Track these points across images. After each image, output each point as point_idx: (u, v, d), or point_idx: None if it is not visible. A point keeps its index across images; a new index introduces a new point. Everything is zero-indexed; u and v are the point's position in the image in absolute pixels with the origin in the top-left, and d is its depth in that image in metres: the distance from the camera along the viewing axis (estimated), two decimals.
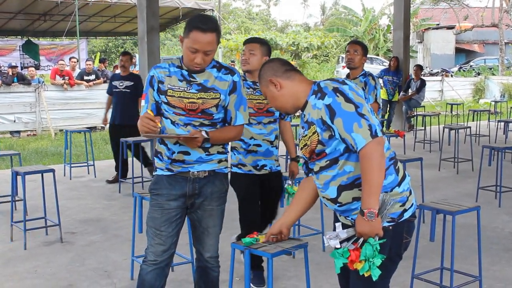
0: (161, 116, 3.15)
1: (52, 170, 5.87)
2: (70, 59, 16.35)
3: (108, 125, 8.67)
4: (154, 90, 3.12)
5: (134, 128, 7.67)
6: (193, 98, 3.06)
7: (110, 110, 8.46)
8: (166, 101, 3.09)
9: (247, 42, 4.24)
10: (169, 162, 3.14)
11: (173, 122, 3.11)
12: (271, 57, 3.95)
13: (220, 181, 3.24)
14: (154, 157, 3.27)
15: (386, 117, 13.30)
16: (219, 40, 3.06)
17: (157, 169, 3.22)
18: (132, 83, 8.15)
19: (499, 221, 6.16)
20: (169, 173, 3.16)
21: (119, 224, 6.09)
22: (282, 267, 4.69)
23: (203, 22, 2.95)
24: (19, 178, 5.89)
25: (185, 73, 3.10)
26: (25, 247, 5.34)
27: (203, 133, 3.04)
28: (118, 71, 9.47)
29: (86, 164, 9.15)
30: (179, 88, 3.08)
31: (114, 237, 5.72)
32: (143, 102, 3.18)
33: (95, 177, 8.75)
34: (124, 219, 6.24)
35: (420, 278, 4.20)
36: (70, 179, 8.55)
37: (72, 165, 8.86)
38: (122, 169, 7.90)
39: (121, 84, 8.17)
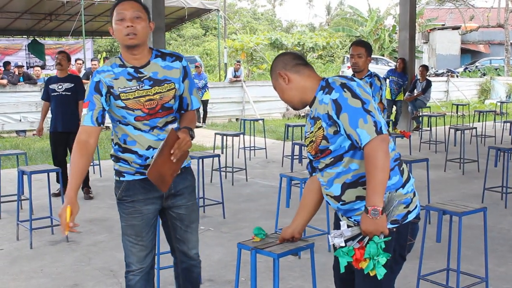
0: (120, 124, 2.96)
1: (58, 170, 5.89)
2: (75, 60, 16.32)
3: (48, 134, 7.55)
4: (102, 95, 2.89)
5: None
6: (149, 95, 2.92)
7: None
8: (123, 105, 2.90)
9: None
10: (142, 168, 2.98)
11: (137, 128, 2.94)
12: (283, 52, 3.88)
13: (191, 175, 3.16)
14: (117, 163, 3.06)
15: (392, 117, 13.28)
16: (147, 12, 2.94)
17: (125, 175, 3.03)
18: (72, 84, 7.25)
19: (506, 222, 6.15)
20: (141, 176, 3.00)
21: None
22: (288, 268, 4.68)
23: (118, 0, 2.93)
24: (25, 177, 5.90)
25: (131, 70, 2.93)
26: (31, 246, 5.35)
27: (190, 132, 2.92)
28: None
29: (91, 163, 9.17)
30: (131, 89, 2.90)
31: (119, 236, 5.64)
32: (85, 111, 2.91)
33: (101, 176, 8.76)
34: None
35: (426, 279, 4.20)
36: None
37: None
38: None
39: (60, 87, 7.20)
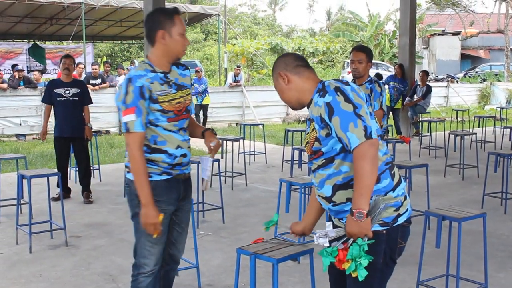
0: (151, 125, 3.06)
1: (58, 174, 5.89)
2: (77, 65, 16.27)
3: (52, 138, 7.52)
4: (146, 100, 3.01)
5: (83, 141, 7.36)
6: (177, 98, 3.13)
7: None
8: (160, 108, 3.05)
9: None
10: (169, 168, 3.13)
11: (167, 129, 3.11)
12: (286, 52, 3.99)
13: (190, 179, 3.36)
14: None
15: (389, 122, 13.28)
16: None
17: (151, 175, 3.09)
18: (79, 90, 7.24)
19: (505, 228, 6.14)
20: (167, 177, 3.14)
21: (124, 228, 6.08)
22: (287, 273, 4.68)
23: (170, 9, 3.14)
24: (24, 181, 5.91)
25: (161, 75, 3.11)
26: (30, 251, 5.35)
27: (214, 132, 3.35)
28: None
29: (91, 168, 9.15)
30: (164, 92, 3.08)
31: (119, 241, 5.72)
32: (132, 117, 2.97)
33: (100, 181, 8.77)
34: (130, 223, 6.21)
35: (426, 285, 4.20)
36: (76, 182, 8.56)
37: (77, 169, 8.86)
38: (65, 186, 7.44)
39: (67, 92, 7.17)
